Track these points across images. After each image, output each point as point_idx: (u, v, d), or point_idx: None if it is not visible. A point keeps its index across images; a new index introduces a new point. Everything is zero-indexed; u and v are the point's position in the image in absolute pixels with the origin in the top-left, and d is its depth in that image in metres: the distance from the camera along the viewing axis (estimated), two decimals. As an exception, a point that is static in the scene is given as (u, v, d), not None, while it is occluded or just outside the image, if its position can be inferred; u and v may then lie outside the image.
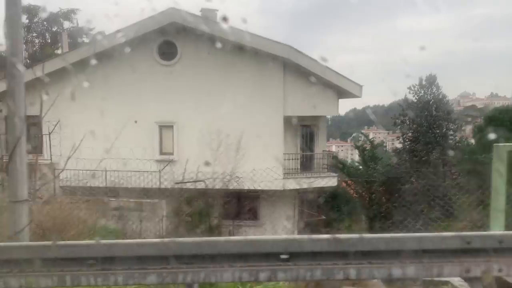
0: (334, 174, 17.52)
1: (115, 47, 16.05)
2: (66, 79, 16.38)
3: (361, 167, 25.98)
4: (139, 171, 14.73)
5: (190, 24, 15.19)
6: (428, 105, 33.15)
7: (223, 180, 14.58)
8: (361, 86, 16.70)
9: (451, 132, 32.17)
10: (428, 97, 33.42)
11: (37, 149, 13.58)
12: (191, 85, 15.85)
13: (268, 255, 3.58)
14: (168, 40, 16.12)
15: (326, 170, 17.47)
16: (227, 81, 15.71)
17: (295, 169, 16.90)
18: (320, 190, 17.40)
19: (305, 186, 16.58)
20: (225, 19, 16.68)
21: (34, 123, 16.41)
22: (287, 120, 16.03)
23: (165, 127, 16.20)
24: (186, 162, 13.52)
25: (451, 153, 29.21)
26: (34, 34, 30.77)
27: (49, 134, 13.19)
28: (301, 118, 16.75)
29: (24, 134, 4.69)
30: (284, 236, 7.37)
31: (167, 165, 15.29)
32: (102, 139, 14.27)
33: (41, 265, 3.48)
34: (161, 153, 16.24)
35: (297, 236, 4.95)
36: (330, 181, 17.08)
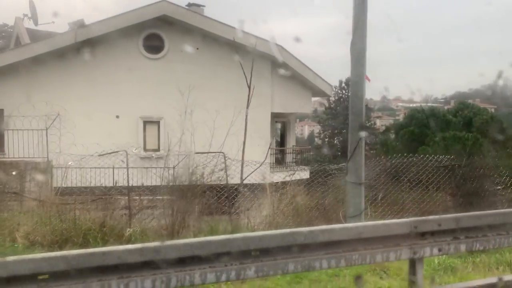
0: (306, 167, 18.64)
1: (98, 38, 15.08)
2: (36, 72, 14.90)
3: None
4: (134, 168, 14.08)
5: (181, 18, 14.99)
6: (346, 105, 36.31)
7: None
8: (331, 86, 18.13)
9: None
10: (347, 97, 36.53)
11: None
12: (179, 80, 15.61)
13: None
14: (154, 33, 15.60)
15: (298, 164, 18.52)
16: (217, 77, 15.82)
17: (272, 163, 17.62)
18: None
19: (283, 179, 17.40)
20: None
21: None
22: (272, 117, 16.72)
23: (150, 123, 15.67)
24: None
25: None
26: None
27: (47, 129, 12.02)
28: (277, 115, 17.55)
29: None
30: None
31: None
32: (86, 135, 13.45)
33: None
34: (145, 149, 15.65)
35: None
36: (303, 174, 18.15)
